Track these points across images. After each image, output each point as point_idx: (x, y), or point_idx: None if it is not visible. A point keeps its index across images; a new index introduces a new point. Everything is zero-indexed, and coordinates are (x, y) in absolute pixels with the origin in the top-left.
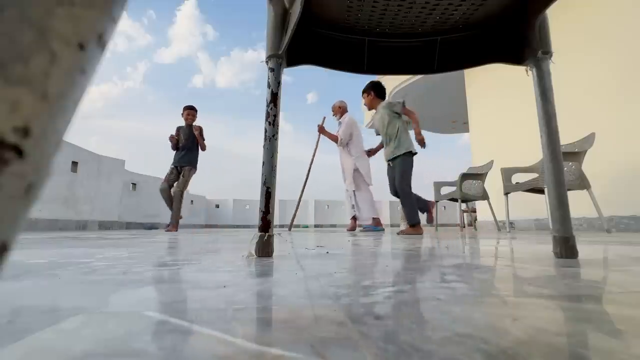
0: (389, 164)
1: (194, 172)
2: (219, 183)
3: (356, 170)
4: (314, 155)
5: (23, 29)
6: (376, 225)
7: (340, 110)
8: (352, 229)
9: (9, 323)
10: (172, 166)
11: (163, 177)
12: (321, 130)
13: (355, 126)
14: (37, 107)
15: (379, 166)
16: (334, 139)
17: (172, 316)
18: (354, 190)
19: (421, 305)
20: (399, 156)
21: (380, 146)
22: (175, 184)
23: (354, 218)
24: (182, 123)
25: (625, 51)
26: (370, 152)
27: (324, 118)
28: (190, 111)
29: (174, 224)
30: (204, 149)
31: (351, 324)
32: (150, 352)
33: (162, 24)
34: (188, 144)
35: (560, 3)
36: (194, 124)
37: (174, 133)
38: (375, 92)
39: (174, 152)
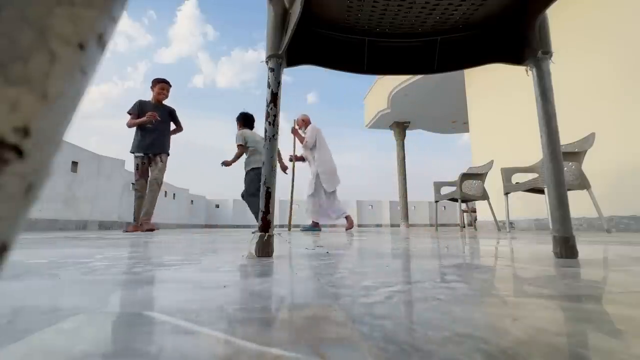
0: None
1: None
2: (219, 183)
3: (317, 175)
4: (294, 160)
5: (23, 28)
6: (314, 226)
7: (304, 123)
8: (350, 227)
9: (9, 323)
10: (142, 154)
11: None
12: (294, 131)
13: (318, 134)
14: (37, 107)
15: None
16: (301, 139)
17: (171, 316)
18: (310, 194)
19: (421, 305)
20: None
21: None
22: (151, 175)
23: (348, 217)
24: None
25: (626, 50)
26: (227, 163)
27: (295, 120)
28: (164, 85)
29: (146, 219)
30: (182, 129)
31: (351, 323)
32: (150, 352)
33: (163, 24)
34: (161, 126)
35: (560, 1)
36: (164, 102)
37: (134, 108)
38: (242, 122)
39: (137, 134)
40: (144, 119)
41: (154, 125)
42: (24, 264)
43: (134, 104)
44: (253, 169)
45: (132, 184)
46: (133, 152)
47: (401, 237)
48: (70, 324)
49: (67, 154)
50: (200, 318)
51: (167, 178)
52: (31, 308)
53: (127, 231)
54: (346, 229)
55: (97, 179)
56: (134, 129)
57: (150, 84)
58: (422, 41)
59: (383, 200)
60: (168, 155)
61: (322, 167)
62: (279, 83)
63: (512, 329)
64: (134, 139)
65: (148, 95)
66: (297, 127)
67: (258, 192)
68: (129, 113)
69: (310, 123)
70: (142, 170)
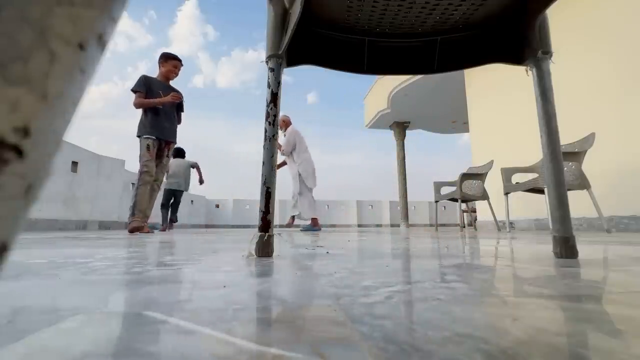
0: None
1: None
2: (219, 183)
3: (299, 175)
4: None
5: (23, 28)
6: (314, 226)
7: (284, 124)
8: (289, 226)
9: (9, 323)
10: (154, 138)
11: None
12: None
13: (298, 136)
14: (37, 107)
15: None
16: (279, 148)
17: (171, 316)
18: (298, 193)
19: (421, 305)
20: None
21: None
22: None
23: (293, 217)
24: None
25: (626, 50)
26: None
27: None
28: (177, 63)
29: (144, 221)
30: (180, 122)
31: (351, 323)
32: (150, 352)
33: (163, 24)
34: (172, 109)
35: (560, 1)
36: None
37: (140, 85)
38: (175, 154)
39: (148, 115)
40: (167, 98)
41: (167, 108)
42: (24, 264)
43: (140, 80)
44: (164, 189)
45: (142, 172)
46: (143, 135)
47: (401, 237)
48: (70, 324)
49: (67, 154)
50: (200, 318)
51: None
52: (31, 308)
53: (131, 231)
54: (285, 225)
55: (97, 179)
56: (138, 109)
57: (160, 59)
58: (422, 41)
59: (383, 200)
60: (175, 144)
61: (302, 166)
62: (279, 83)
63: (512, 329)
64: (144, 120)
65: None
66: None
67: (167, 203)
68: (135, 91)
69: (290, 124)
70: (152, 152)
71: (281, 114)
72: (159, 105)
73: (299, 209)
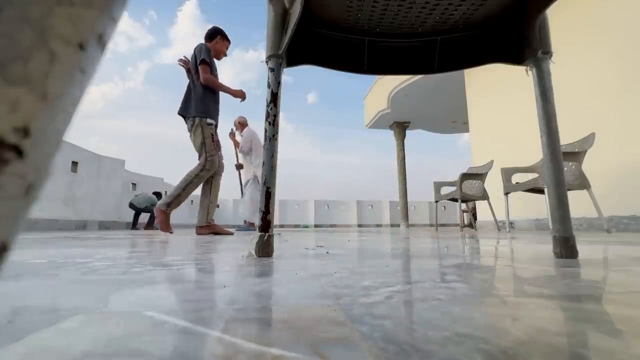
0: None
1: None
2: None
3: (255, 177)
4: (239, 169)
5: (23, 28)
6: (248, 226)
7: (240, 125)
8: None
9: (9, 323)
10: (215, 124)
11: (210, 142)
12: (231, 136)
13: (254, 137)
14: (37, 107)
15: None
16: (237, 144)
17: (172, 316)
18: (250, 198)
19: (421, 305)
20: None
21: None
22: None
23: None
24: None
25: (626, 50)
26: None
27: (232, 128)
28: (229, 45)
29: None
30: None
31: (351, 323)
32: (150, 352)
33: (163, 24)
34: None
35: (560, 0)
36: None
37: (209, 56)
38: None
39: (211, 96)
40: (240, 93)
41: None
42: (24, 264)
43: (207, 51)
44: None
45: (203, 169)
46: (207, 119)
47: (401, 237)
48: (70, 324)
49: (67, 154)
50: (201, 318)
51: (167, 178)
52: (31, 308)
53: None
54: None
55: (97, 179)
56: (185, 85)
57: (214, 34)
58: (422, 41)
59: (383, 200)
60: None
61: (260, 169)
62: (279, 83)
63: (512, 329)
64: (207, 99)
65: (148, 95)
66: (234, 129)
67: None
68: (205, 62)
69: (246, 125)
70: (217, 142)
71: (239, 115)
72: (231, 94)
73: (244, 209)
